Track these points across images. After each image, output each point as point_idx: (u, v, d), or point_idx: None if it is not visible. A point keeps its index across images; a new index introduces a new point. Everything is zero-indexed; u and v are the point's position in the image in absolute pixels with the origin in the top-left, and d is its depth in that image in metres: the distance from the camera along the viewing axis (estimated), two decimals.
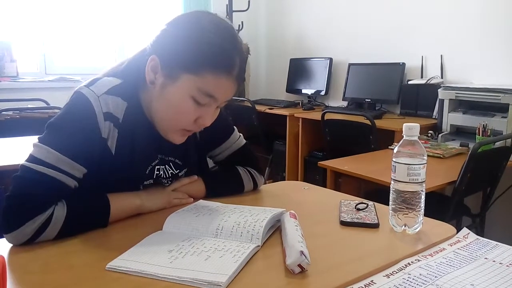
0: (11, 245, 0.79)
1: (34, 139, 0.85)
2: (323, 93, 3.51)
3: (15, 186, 0.80)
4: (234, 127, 1.15)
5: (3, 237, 0.79)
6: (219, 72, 0.86)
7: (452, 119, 2.39)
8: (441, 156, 2.00)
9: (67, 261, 0.74)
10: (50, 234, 0.80)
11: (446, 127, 2.41)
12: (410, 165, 0.83)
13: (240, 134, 1.16)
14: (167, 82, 0.88)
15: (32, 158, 0.82)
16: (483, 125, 2.12)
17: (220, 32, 0.87)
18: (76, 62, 3.52)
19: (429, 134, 2.39)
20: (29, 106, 2.67)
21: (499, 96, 2.15)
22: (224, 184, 1.10)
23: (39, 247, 0.78)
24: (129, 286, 0.65)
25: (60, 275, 0.69)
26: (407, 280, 0.67)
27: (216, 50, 0.85)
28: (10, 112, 2.47)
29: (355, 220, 0.91)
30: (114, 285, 0.66)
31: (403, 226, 0.85)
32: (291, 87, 3.80)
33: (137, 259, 0.72)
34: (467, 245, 0.81)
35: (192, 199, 1.03)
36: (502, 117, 2.18)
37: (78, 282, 0.67)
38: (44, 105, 2.85)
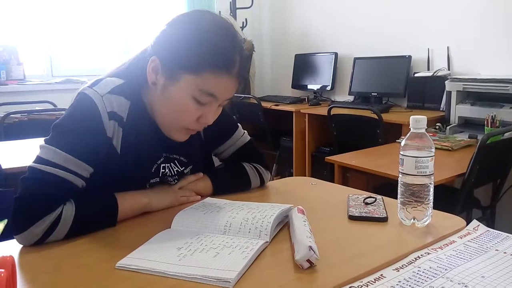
0: (22, 245, 0.80)
1: (42, 141, 0.85)
2: (329, 88, 3.49)
3: (23, 188, 0.81)
4: (238, 124, 1.15)
5: (13, 238, 0.79)
6: (219, 71, 0.86)
7: (460, 111, 2.37)
8: (450, 148, 1.98)
9: (77, 260, 0.75)
10: (59, 234, 0.80)
11: (454, 119, 2.39)
12: (418, 157, 0.82)
13: (245, 130, 1.16)
14: (168, 83, 0.89)
15: (39, 159, 0.83)
16: (492, 116, 2.10)
17: (218, 31, 0.88)
18: (82, 64, 3.54)
19: (437, 127, 2.37)
20: (36, 108, 2.69)
21: (507, 86, 2.13)
22: (231, 181, 1.10)
23: (49, 247, 0.79)
24: (139, 284, 0.66)
25: (70, 274, 0.70)
26: (417, 274, 0.67)
27: (214, 49, 0.86)
28: (18, 115, 2.50)
29: (364, 215, 0.90)
30: (124, 284, 0.66)
31: (412, 220, 0.85)
32: (297, 83, 3.78)
33: (146, 257, 0.72)
34: (477, 237, 0.80)
35: (200, 196, 1.03)
36: (510, 107, 2.16)
37: (88, 281, 0.67)
38: (52, 107, 2.88)
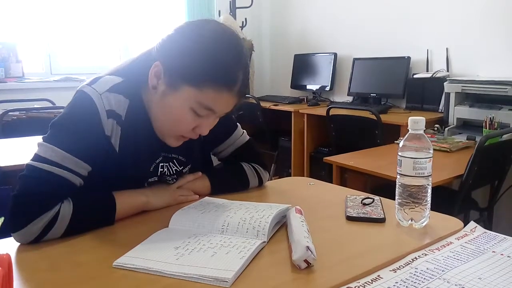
0: (19, 243, 0.79)
1: (41, 138, 0.85)
2: (328, 88, 3.49)
3: (21, 185, 0.81)
4: (237, 123, 1.15)
5: (10, 235, 0.79)
6: (221, 88, 0.86)
7: (458, 112, 2.37)
8: (448, 149, 1.99)
9: (74, 259, 0.74)
10: (56, 232, 0.80)
11: (452, 120, 2.39)
12: (416, 159, 0.82)
13: (244, 130, 1.16)
14: (168, 91, 0.88)
15: (37, 157, 0.82)
16: (490, 118, 2.10)
17: (225, 46, 0.87)
18: (81, 62, 3.54)
19: (436, 128, 2.38)
20: (35, 106, 2.68)
21: (506, 88, 2.13)
22: (229, 180, 1.10)
23: (47, 245, 0.79)
24: (136, 283, 0.66)
25: (67, 272, 0.70)
26: (414, 275, 0.67)
27: (219, 66, 0.85)
28: (17, 113, 2.49)
29: (361, 215, 0.90)
30: (121, 282, 0.66)
31: (410, 221, 0.85)
32: (296, 83, 3.78)
33: (143, 256, 0.72)
34: (474, 238, 0.81)
35: (198, 196, 1.03)
36: (509, 109, 2.16)
37: (85, 279, 0.67)
38: (50, 105, 2.87)
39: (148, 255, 0.72)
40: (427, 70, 2.88)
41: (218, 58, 0.86)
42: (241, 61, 0.89)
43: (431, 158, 0.83)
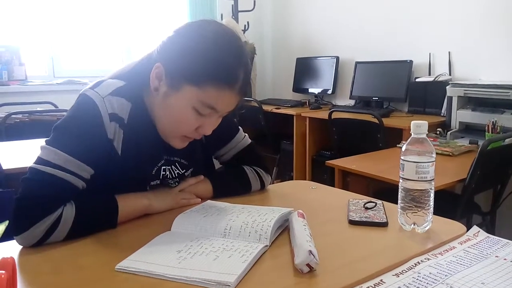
0: (22, 246, 0.80)
1: (44, 141, 0.86)
2: (330, 92, 3.50)
3: (24, 189, 0.81)
4: (239, 127, 1.15)
5: (13, 239, 0.79)
6: (222, 86, 0.87)
7: (461, 116, 2.37)
8: (450, 153, 1.98)
9: (77, 262, 0.75)
10: (59, 235, 0.80)
11: (455, 124, 2.39)
12: (419, 163, 0.82)
13: (245, 134, 1.16)
14: (170, 92, 0.89)
15: (40, 160, 0.83)
16: (493, 122, 2.10)
17: (225, 45, 0.88)
18: (84, 65, 3.55)
19: (438, 132, 2.37)
20: (38, 109, 2.69)
21: (508, 92, 2.13)
22: (231, 184, 1.10)
23: (49, 248, 0.79)
24: (138, 286, 0.66)
25: (70, 276, 0.70)
26: (417, 279, 0.66)
27: (219, 64, 0.86)
28: (20, 115, 2.50)
29: (364, 219, 0.90)
30: (123, 286, 0.66)
31: (412, 225, 0.85)
32: (298, 87, 3.79)
33: (146, 259, 0.72)
34: (477, 243, 0.80)
35: (200, 199, 1.03)
36: (511, 113, 2.16)
37: (87, 282, 0.67)
38: (53, 107, 2.88)
39: (150, 258, 0.72)
40: (429, 74, 2.88)
41: (220, 57, 0.86)
42: (242, 60, 0.90)
43: (434, 162, 0.83)
